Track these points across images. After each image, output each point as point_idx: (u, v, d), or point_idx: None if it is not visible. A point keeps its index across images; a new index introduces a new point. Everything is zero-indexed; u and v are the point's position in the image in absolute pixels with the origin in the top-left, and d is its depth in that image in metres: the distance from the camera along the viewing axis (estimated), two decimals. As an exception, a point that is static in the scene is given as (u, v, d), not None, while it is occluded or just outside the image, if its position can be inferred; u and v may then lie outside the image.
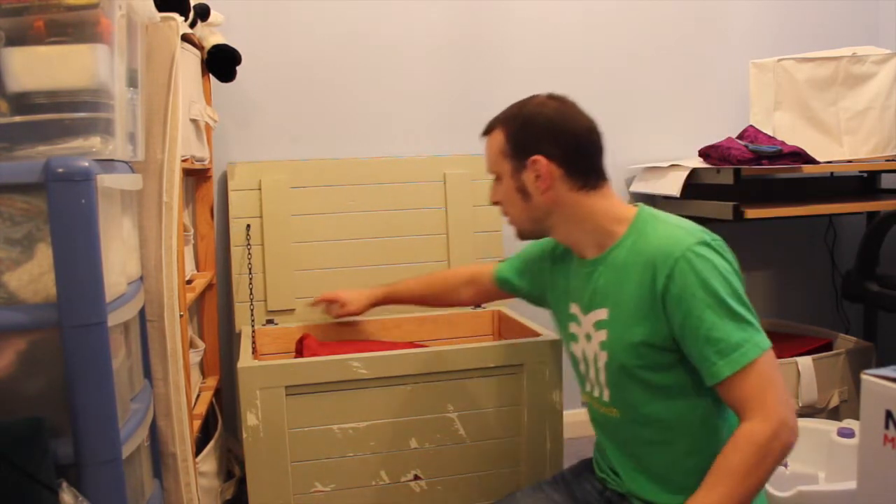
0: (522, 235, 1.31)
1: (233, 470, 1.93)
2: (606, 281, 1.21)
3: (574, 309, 1.29)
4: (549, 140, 1.20)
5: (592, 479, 1.33)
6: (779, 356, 1.98)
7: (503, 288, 1.54)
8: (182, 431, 1.42)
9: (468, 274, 1.64)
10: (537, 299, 1.48)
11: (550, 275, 1.38)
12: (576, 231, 1.24)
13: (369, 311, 2.02)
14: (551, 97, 1.25)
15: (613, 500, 1.28)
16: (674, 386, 1.16)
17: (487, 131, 1.29)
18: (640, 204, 1.25)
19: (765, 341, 1.09)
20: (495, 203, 1.31)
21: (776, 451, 1.04)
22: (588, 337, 1.25)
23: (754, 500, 1.07)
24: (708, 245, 1.12)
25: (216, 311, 2.00)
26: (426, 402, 1.51)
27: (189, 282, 1.73)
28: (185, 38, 1.57)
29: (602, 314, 1.21)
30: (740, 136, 2.07)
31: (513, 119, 1.24)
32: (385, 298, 1.74)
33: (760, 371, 1.06)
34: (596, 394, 1.26)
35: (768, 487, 1.49)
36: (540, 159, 1.19)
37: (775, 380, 1.07)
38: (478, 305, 1.99)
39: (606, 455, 1.30)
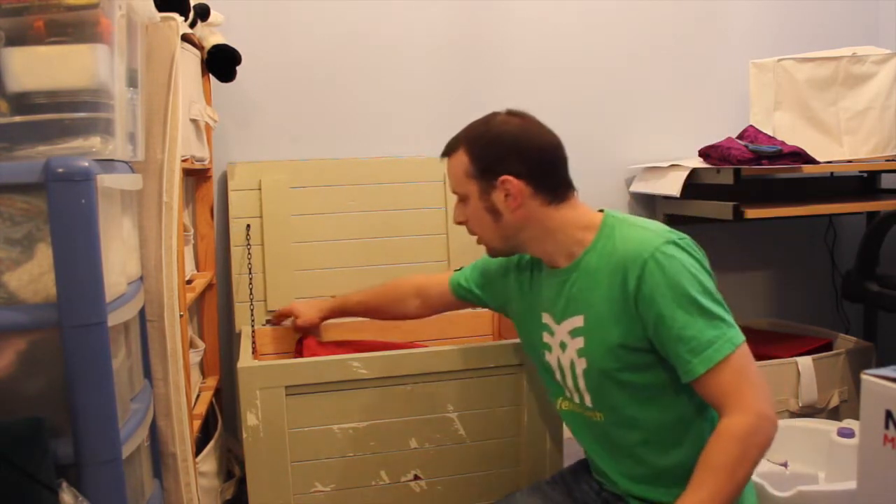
0: (494, 253, 1.31)
1: (233, 470, 1.93)
2: (580, 288, 1.20)
3: (546, 319, 1.28)
4: (515, 158, 1.19)
5: (590, 479, 1.34)
6: (779, 356, 2.00)
7: (463, 298, 1.52)
8: (182, 431, 1.42)
9: (416, 285, 1.60)
10: (497, 309, 1.48)
11: (516, 285, 1.37)
12: (548, 244, 1.24)
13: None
14: (512, 113, 1.25)
15: (610, 501, 1.28)
16: (654, 385, 1.17)
17: (448, 152, 1.27)
18: (606, 209, 1.25)
19: (737, 336, 1.09)
20: (460, 223, 1.29)
21: (758, 444, 1.04)
22: (563, 345, 1.24)
23: (743, 493, 1.08)
24: (675, 244, 1.13)
25: (216, 311, 2.00)
26: (426, 402, 1.51)
27: (189, 282, 1.73)
28: (185, 38, 1.57)
29: (578, 321, 1.21)
30: (740, 136, 2.07)
31: (476, 139, 1.23)
32: (335, 311, 1.72)
33: (735, 366, 1.07)
34: (577, 400, 1.25)
35: (768, 488, 1.49)
36: (510, 179, 1.19)
37: (751, 373, 1.08)
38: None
39: (595, 459, 1.30)
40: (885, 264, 2.09)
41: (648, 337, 1.13)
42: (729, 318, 1.11)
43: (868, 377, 0.79)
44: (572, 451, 1.61)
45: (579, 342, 1.21)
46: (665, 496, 1.18)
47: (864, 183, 2.44)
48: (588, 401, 1.23)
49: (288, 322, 1.84)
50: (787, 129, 2.11)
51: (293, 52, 2.09)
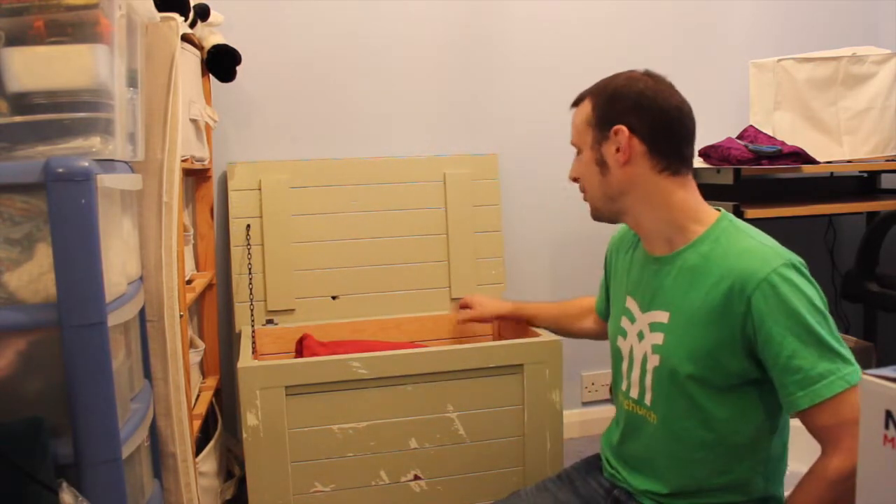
0: (597, 214, 1.25)
1: (233, 470, 1.93)
2: (673, 284, 1.16)
3: (630, 304, 1.24)
4: (635, 113, 1.17)
5: (600, 477, 1.31)
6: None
7: (606, 312, 1.45)
8: (182, 431, 1.42)
9: (588, 306, 1.56)
10: None
11: (615, 267, 1.35)
12: (649, 218, 1.19)
13: (369, 312, 2.03)
14: (648, 74, 1.23)
15: (621, 499, 1.25)
16: (719, 405, 1.12)
17: (576, 103, 1.26)
18: (723, 209, 1.20)
19: (853, 375, 1.02)
20: (574, 180, 1.26)
21: (848, 490, 0.96)
22: (640, 336, 1.20)
23: None
24: (795, 268, 1.07)
25: (216, 311, 2.00)
26: (426, 402, 1.51)
27: (189, 282, 1.73)
28: (185, 38, 1.57)
29: (661, 317, 1.16)
30: (740, 136, 2.07)
31: (602, 89, 1.22)
32: (513, 314, 1.73)
33: (843, 406, 1.00)
34: (634, 395, 1.22)
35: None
36: (622, 129, 1.16)
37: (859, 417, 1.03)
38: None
39: (622, 455, 1.26)
40: (885, 264, 2.09)
41: (736, 357, 1.08)
42: (848, 354, 1.04)
43: (868, 377, 0.79)
44: (572, 450, 1.61)
45: (658, 338, 1.16)
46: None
47: (863, 183, 2.44)
48: (648, 399, 1.19)
49: (466, 314, 1.82)
50: (786, 129, 2.12)
51: (293, 52, 2.09)
